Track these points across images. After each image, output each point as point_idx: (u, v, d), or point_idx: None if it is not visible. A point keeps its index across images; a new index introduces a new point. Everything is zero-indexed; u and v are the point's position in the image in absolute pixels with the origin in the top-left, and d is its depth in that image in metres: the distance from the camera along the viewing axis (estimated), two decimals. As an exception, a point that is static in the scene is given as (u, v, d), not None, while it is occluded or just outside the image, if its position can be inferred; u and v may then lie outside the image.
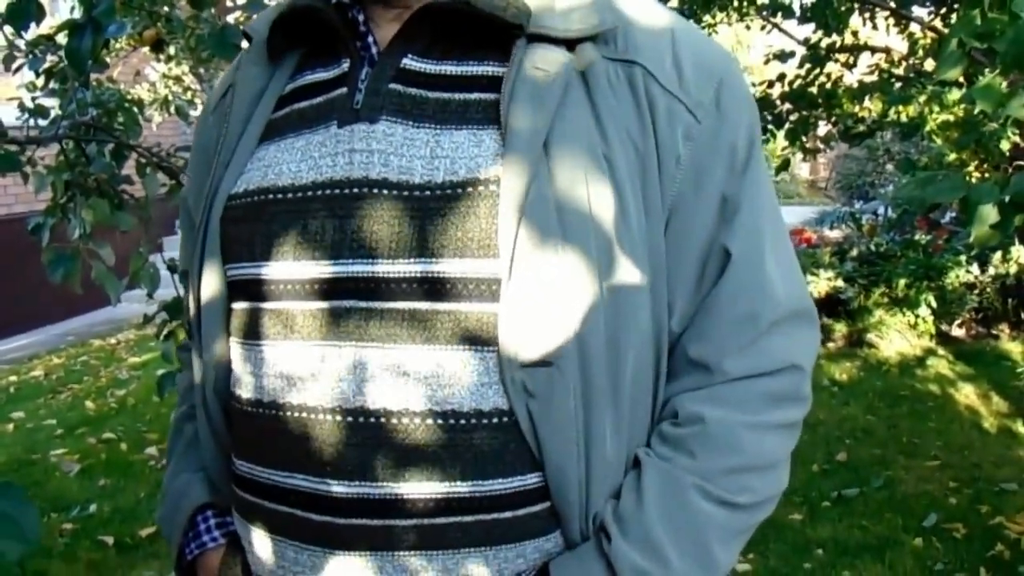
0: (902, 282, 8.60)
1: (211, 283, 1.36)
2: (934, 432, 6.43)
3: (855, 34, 8.21)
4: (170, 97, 9.54)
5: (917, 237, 9.41)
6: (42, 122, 3.73)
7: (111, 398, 8.27)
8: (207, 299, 1.36)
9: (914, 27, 7.92)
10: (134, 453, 6.74)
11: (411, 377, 1.19)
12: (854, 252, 9.58)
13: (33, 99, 3.82)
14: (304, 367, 1.24)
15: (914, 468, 5.82)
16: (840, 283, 8.83)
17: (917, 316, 8.54)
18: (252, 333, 1.31)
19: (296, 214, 1.25)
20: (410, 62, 1.28)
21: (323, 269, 1.23)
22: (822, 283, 8.75)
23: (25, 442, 7.15)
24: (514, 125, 1.18)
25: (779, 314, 1.26)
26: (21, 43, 3.67)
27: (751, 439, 1.24)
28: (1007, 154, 5.15)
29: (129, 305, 3.66)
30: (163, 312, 3.50)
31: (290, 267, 1.25)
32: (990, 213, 2.49)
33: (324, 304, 1.23)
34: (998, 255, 8.50)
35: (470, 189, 1.18)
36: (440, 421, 1.18)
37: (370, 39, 1.32)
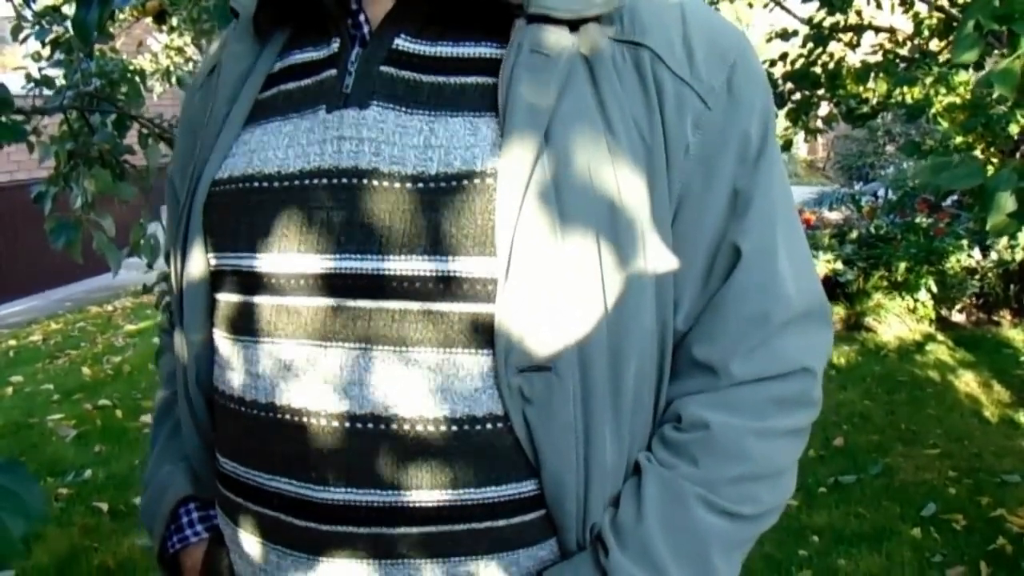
0: (902, 265, 8.56)
1: (193, 271, 1.30)
2: (933, 419, 6.38)
3: (859, 13, 8.15)
4: (171, 68, 9.50)
5: (918, 220, 9.36)
6: (47, 92, 3.72)
7: (107, 365, 8.40)
8: (189, 287, 1.31)
9: (920, 6, 7.86)
10: (129, 420, 6.85)
11: (402, 379, 1.13)
12: (853, 234, 9.52)
13: (40, 70, 3.83)
14: (290, 367, 1.19)
15: (913, 456, 5.77)
16: (839, 265, 8.77)
17: (917, 300, 8.51)
18: (236, 327, 1.26)
19: (282, 204, 1.20)
20: (403, 43, 1.21)
21: (311, 263, 1.17)
22: (821, 265, 8.69)
23: (23, 406, 7.29)
24: (513, 113, 1.11)
25: (790, 314, 1.21)
26: (28, 13, 3.67)
27: (758, 446, 1.20)
28: (1015, 137, 5.14)
29: (127, 272, 3.65)
30: (163, 283, 3.49)
31: (276, 260, 1.20)
32: (1008, 201, 2.43)
33: (310, 300, 1.18)
34: (1003, 240, 8.47)
35: (465, 182, 1.11)
36: (431, 427, 1.13)
37: (362, 17, 1.24)
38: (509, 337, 1.10)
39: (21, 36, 3.81)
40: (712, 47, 1.21)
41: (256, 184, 1.23)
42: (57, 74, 3.79)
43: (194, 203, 1.29)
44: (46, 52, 3.80)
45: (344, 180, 1.16)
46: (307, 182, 1.19)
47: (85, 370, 8.22)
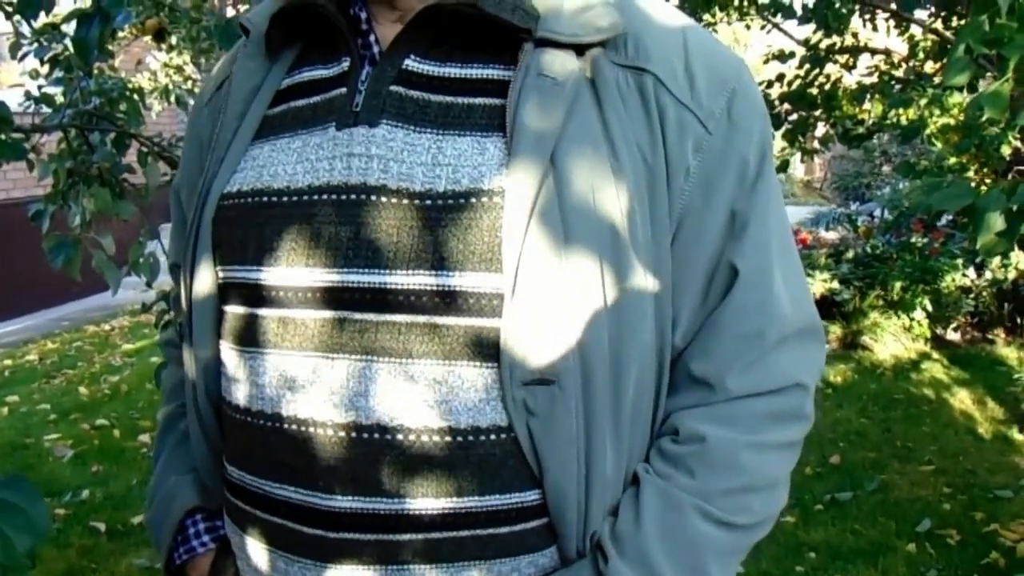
0: (897, 285, 8.60)
1: (202, 284, 1.32)
2: (928, 437, 6.41)
3: (855, 35, 8.19)
4: (170, 86, 9.49)
5: (913, 240, 9.40)
6: (46, 110, 3.73)
7: (104, 384, 8.32)
8: (198, 300, 1.33)
9: (914, 29, 7.91)
10: (127, 440, 6.80)
11: (407, 391, 1.16)
12: (850, 254, 9.58)
13: (39, 87, 3.83)
14: (296, 378, 1.21)
15: (908, 473, 5.80)
16: (835, 285, 8.81)
17: (912, 319, 8.55)
18: (244, 339, 1.28)
19: (292, 219, 1.22)
20: (412, 63, 1.24)
21: (319, 277, 1.19)
22: (817, 284, 8.72)
23: (19, 426, 7.22)
24: (520, 134, 1.14)
25: (785, 332, 1.24)
26: (27, 31, 3.67)
27: (752, 459, 1.23)
28: (1007, 158, 5.17)
29: (124, 291, 3.64)
30: (162, 301, 3.49)
31: (284, 273, 1.22)
32: (996, 221, 2.48)
33: (317, 313, 1.20)
34: (997, 259, 8.48)
35: (472, 200, 1.14)
36: (436, 438, 1.16)
37: (372, 37, 1.27)
38: (514, 352, 1.13)
39: (19, 54, 3.81)
40: (713, 73, 1.24)
41: (265, 199, 1.25)
42: (56, 92, 3.79)
43: (203, 217, 1.31)
44: (44, 70, 3.80)
45: (353, 196, 1.18)
46: (316, 198, 1.21)
47: (82, 390, 8.15)
